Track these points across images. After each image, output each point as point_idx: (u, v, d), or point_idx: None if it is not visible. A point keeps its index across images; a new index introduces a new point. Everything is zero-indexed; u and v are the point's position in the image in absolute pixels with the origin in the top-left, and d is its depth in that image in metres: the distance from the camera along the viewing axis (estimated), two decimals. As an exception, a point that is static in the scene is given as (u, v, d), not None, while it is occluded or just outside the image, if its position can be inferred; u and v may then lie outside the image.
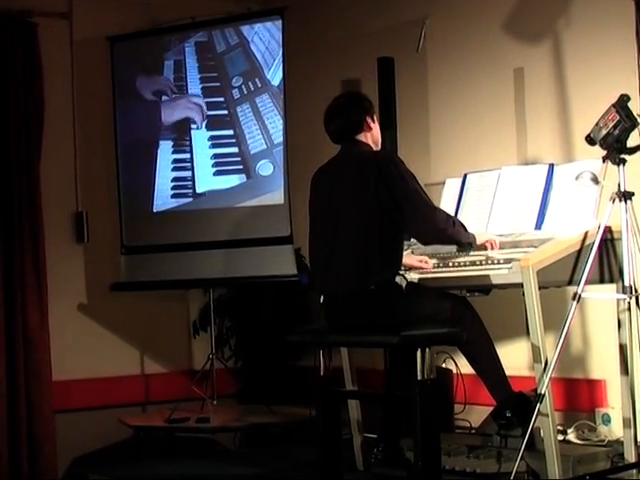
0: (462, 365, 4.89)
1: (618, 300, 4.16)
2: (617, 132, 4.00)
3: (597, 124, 4.06)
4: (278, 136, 5.70)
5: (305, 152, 5.70)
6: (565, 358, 4.59)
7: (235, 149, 5.85)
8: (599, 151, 4.09)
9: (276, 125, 5.71)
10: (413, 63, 5.65)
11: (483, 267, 4.21)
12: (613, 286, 4.25)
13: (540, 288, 3.98)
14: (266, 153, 5.75)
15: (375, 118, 4.22)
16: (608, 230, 4.15)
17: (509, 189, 4.62)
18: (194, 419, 5.58)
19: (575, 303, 3.96)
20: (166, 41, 6.06)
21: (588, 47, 4.88)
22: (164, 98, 5.99)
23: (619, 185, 4.02)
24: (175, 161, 5.99)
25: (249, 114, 5.81)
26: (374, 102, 4.37)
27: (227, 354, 6.32)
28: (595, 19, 4.85)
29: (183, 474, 5.07)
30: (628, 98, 4.02)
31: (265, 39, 5.77)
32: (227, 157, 5.87)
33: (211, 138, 5.92)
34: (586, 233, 4.14)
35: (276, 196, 5.68)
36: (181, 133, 5.97)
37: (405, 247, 4.29)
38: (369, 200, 3.97)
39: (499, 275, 4.11)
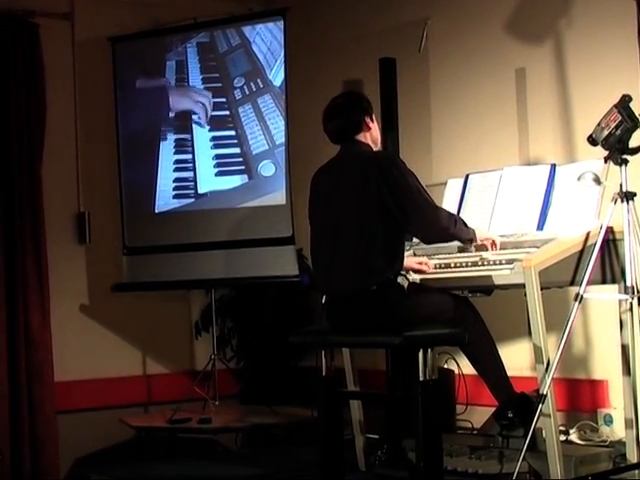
0: (464, 366, 4.89)
1: (620, 300, 4.16)
2: (619, 132, 4.00)
3: (599, 124, 4.06)
4: (280, 137, 5.70)
5: (307, 152, 5.69)
6: (567, 358, 4.59)
7: (237, 150, 5.85)
8: (601, 151, 4.09)
9: (278, 126, 5.71)
10: (415, 63, 5.65)
11: (485, 268, 4.21)
12: (615, 286, 4.25)
13: (542, 289, 3.98)
14: (268, 154, 5.75)
15: (374, 118, 4.22)
16: (610, 230, 4.14)
17: (511, 189, 4.62)
18: (196, 420, 5.58)
19: (577, 303, 3.95)
20: (168, 42, 6.06)
21: (590, 47, 4.88)
22: (171, 84, 5.98)
23: (621, 185, 4.02)
24: (177, 162, 5.99)
25: (251, 115, 5.81)
26: (376, 102, 4.37)
27: (229, 355, 6.33)
28: (597, 19, 4.85)
29: (185, 474, 5.07)
30: (630, 98, 4.02)
31: (267, 40, 5.77)
32: (229, 158, 5.87)
33: (213, 139, 5.92)
34: (588, 234, 4.14)
35: (278, 197, 5.68)
36: (183, 131, 5.96)
37: (407, 247, 4.28)
38: (370, 200, 3.97)
39: (501, 276, 4.11)
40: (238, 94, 5.86)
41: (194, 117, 5.93)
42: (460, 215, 4.67)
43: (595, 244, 4.01)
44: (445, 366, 5.14)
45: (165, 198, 5.99)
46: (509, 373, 4.28)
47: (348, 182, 4.06)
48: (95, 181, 6.13)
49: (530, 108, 5.17)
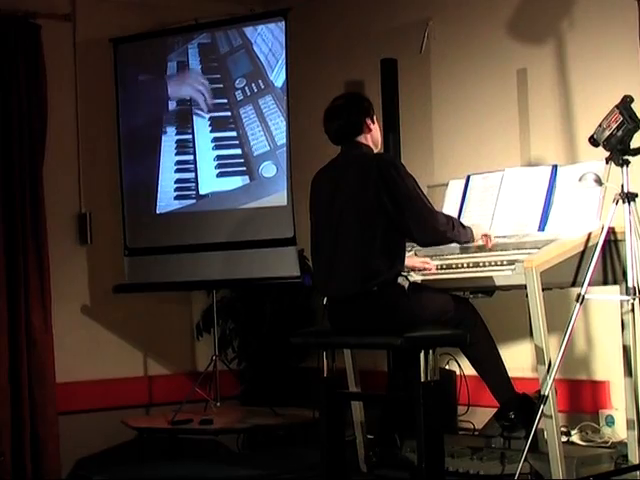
0: (465, 367, 4.88)
1: (622, 301, 4.16)
2: (620, 133, 3.99)
3: (600, 125, 4.06)
4: (281, 137, 5.70)
5: (308, 153, 5.70)
6: (569, 359, 4.59)
7: (238, 150, 5.85)
8: (602, 152, 4.09)
9: (279, 126, 5.71)
10: (416, 64, 5.65)
11: (486, 269, 4.21)
12: (616, 287, 4.25)
13: (543, 289, 3.98)
14: (269, 154, 5.75)
15: (375, 119, 4.22)
16: (611, 231, 4.14)
17: (512, 190, 4.62)
18: (197, 421, 5.57)
19: (579, 304, 3.95)
20: (169, 42, 6.06)
21: (591, 48, 4.87)
22: (170, 73, 5.98)
23: (622, 186, 4.02)
24: (178, 162, 5.99)
25: (252, 115, 5.81)
26: (377, 103, 4.37)
27: (230, 356, 6.33)
28: (598, 20, 4.84)
29: (186, 476, 5.07)
30: (631, 99, 4.02)
31: (268, 40, 5.77)
32: (230, 158, 5.87)
33: (214, 139, 5.92)
34: (589, 234, 4.14)
35: (279, 198, 5.68)
36: (184, 122, 5.95)
37: (408, 248, 4.29)
38: (370, 202, 3.97)
39: (502, 276, 4.11)
40: (239, 95, 5.85)
41: (194, 108, 5.92)
42: (461, 216, 4.69)
43: (596, 245, 4.01)
44: (446, 367, 5.13)
45: (166, 199, 5.99)
46: (510, 374, 4.29)
47: (348, 184, 4.06)
48: (96, 182, 6.13)
49: (531, 109, 5.17)
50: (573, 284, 4.12)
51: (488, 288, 4.31)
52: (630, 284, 3.99)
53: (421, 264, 4.41)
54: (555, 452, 3.93)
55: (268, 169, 5.75)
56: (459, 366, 5.09)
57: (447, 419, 4.81)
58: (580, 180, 4.24)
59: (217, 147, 5.91)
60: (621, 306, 4.17)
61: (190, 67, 5.98)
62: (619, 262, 4.21)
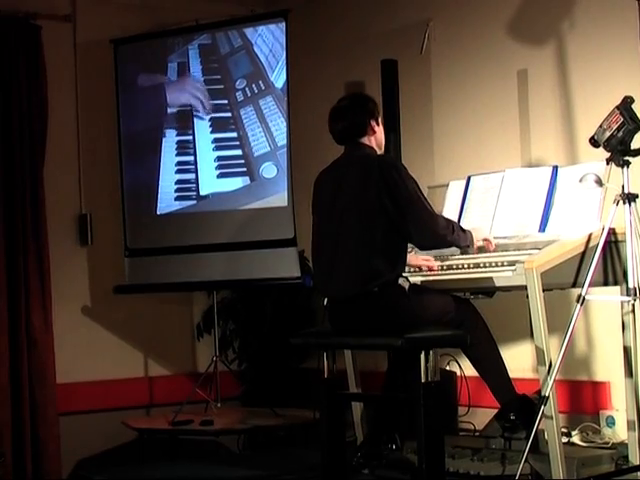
0: (466, 367, 4.88)
1: (622, 302, 4.15)
2: (621, 134, 3.99)
3: (601, 126, 4.05)
4: (282, 138, 5.69)
5: (309, 154, 5.70)
6: (569, 360, 4.59)
7: (239, 151, 5.84)
8: (603, 153, 4.09)
9: (280, 127, 5.71)
10: (417, 65, 5.65)
11: (487, 269, 4.21)
12: (617, 288, 4.25)
13: (544, 290, 3.98)
14: (270, 155, 5.75)
15: (380, 121, 4.23)
16: (612, 232, 4.14)
17: (513, 191, 4.62)
18: (198, 422, 5.57)
19: (579, 305, 3.95)
20: (170, 43, 6.06)
21: (592, 49, 4.87)
22: (169, 79, 5.98)
23: (623, 187, 4.01)
24: (179, 163, 5.99)
25: (253, 116, 5.80)
26: (377, 104, 4.36)
27: (231, 356, 6.32)
28: (599, 21, 4.84)
29: (187, 476, 5.07)
30: (632, 100, 4.02)
31: (269, 41, 5.77)
32: (231, 159, 5.87)
33: (215, 140, 5.92)
34: (590, 235, 4.14)
35: (280, 198, 5.68)
36: (185, 125, 5.95)
37: (410, 249, 4.29)
38: (371, 203, 3.97)
39: (503, 277, 4.11)
40: (240, 96, 5.85)
41: (195, 112, 5.92)
42: (462, 217, 4.69)
43: (597, 246, 4.01)
44: (447, 368, 5.13)
45: (167, 200, 5.99)
46: (511, 375, 4.29)
47: (349, 185, 4.06)
48: (97, 183, 6.13)
49: (532, 110, 5.16)
50: (574, 285, 4.12)
51: (489, 289, 4.31)
52: (631, 285, 3.99)
53: (425, 262, 4.41)
54: (555, 453, 3.93)
55: (268, 170, 5.75)
56: (460, 367, 5.09)
57: (447, 420, 4.81)
58: (581, 181, 4.24)
59: (217, 148, 5.91)
60: (622, 307, 4.17)
61: (189, 71, 5.98)
62: (620, 263, 4.21)
